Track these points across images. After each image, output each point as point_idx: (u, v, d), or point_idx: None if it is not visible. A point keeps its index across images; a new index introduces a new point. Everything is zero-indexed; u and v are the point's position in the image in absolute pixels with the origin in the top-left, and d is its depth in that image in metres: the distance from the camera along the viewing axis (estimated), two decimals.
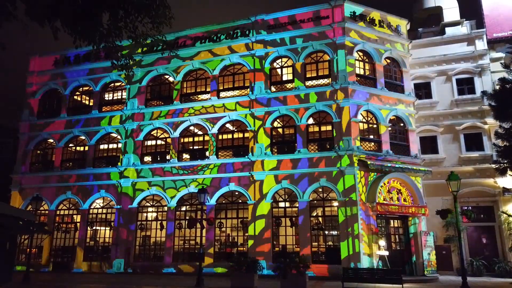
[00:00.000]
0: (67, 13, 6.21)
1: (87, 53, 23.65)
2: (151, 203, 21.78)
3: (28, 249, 19.51)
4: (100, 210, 22.58)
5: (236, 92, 21.62)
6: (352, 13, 20.44)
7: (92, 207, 22.55)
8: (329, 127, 19.65)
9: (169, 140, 22.06)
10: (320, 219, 19.36)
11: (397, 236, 19.32)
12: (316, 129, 19.99)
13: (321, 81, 20.32)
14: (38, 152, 24.92)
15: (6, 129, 28.97)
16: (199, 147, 21.73)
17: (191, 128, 22.04)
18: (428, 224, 19.34)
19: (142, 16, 6.94)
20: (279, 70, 21.56)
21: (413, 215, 18.65)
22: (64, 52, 24.94)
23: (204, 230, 17.66)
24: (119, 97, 24.00)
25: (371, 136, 19.86)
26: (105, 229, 22.39)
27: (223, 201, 20.44)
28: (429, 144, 21.36)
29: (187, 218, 20.41)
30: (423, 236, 18.28)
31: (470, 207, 19.75)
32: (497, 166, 17.85)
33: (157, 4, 6.82)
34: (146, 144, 22.70)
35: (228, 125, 21.48)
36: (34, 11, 6.21)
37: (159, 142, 22.55)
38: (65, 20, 6.42)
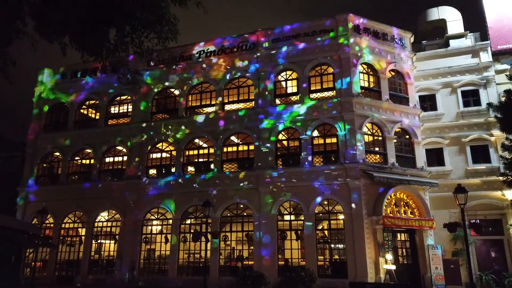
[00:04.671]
0: (75, 29, 6.33)
1: (94, 67, 23.90)
2: (156, 216, 21.75)
3: (33, 263, 19.50)
4: (105, 223, 22.57)
5: (241, 105, 21.71)
6: (356, 26, 20.59)
7: (97, 220, 22.54)
8: (334, 140, 19.62)
9: (174, 153, 22.12)
10: (326, 232, 19.20)
11: (404, 249, 19.09)
12: (321, 141, 19.97)
13: (325, 94, 20.38)
14: (45, 165, 25.06)
15: (14, 143, 29.21)
16: (204, 159, 21.75)
17: (196, 140, 22.11)
18: (436, 237, 19.10)
19: (148, 31, 7.05)
20: (283, 83, 21.68)
21: (420, 228, 18.44)
22: (71, 66, 25.23)
23: (209, 244, 17.60)
24: (125, 110, 24.19)
25: (377, 149, 19.79)
26: (109, 242, 22.33)
27: (228, 214, 20.35)
28: (435, 157, 21.18)
29: (192, 231, 20.31)
30: (430, 250, 18.03)
31: (478, 220, 19.49)
32: (504, 179, 17.67)
33: (165, 20, 6.93)
34: (151, 157, 22.77)
35: (233, 138, 21.53)
36: (43, 27, 6.33)
37: (164, 155, 22.61)
38: (73, 36, 6.54)
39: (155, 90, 23.52)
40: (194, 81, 22.79)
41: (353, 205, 17.97)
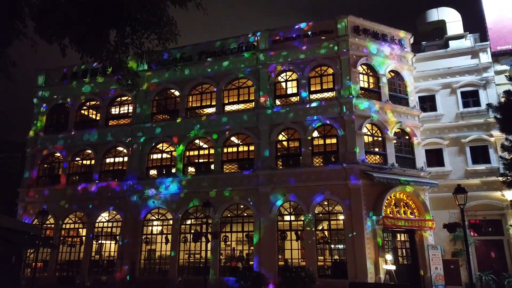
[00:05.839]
0: (76, 30, 6.37)
1: (95, 68, 23.94)
2: (157, 217, 21.79)
3: (33, 263, 19.55)
4: (105, 224, 22.61)
5: (241, 106, 21.76)
6: (355, 27, 20.63)
7: (97, 220, 22.58)
8: (334, 140, 19.66)
9: (174, 153, 22.17)
10: (326, 232, 19.23)
11: (404, 250, 19.12)
12: (321, 142, 20.01)
13: (325, 95, 20.42)
14: (45, 166, 25.11)
15: (14, 144, 29.26)
16: (205, 160, 21.80)
17: (196, 141, 22.15)
18: (435, 238, 19.12)
19: (149, 32, 7.09)
20: (283, 84, 21.72)
21: (419, 228, 18.47)
22: (72, 67, 25.29)
23: (209, 244, 17.65)
24: (126, 111, 24.25)
25: (376, 149, 19.83)
26: (110, 243, 22.37)
27: (228, 215, 20.39)
28: (434, 157, 21.20)
29: (192, 231, 20.34)
30: (430, 250, 18.06)
31: (477, 221, 19.49)
32: (504, 179, 17.67)
33: (164, 21, 6.98)
34: (151, 157, 22.83)
35: (233, 138, 21.58)
36: (43, 29, 6.38)
37: (164, 155, 22.66)
38: (73, 37, 6.58)
39: (156, 91, 23.58)
40: (194, 82, 22.84)
41: (352, 206, 17.98)
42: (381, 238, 17.94)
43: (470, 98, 21.50)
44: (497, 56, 21.75)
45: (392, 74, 21.19)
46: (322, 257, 18.64)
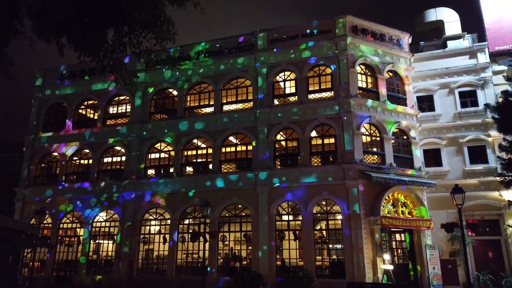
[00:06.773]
0: (73, 30, 6.35)
1: (93, 67, 23.83)
2: (154, 216, 21.76)
3: (31, 263, 19.50)
4: (103, 224, 22.56)
5: (239, 106, 21.74)
6: (354, 27, 20.64)
7: (95, 220, 22.53)
8: (332, 140, 19.66)
9: (172, 153, 22.13)
10: (324, 232, 19.23)
11: (401, 250, 19.14)
12: (319, 142, 20.01)
13: (323, 94, 20.43)
14: (43, 165, 25.05)
15: (12, 143, 29.19)
16: (203, 160, 21.78)
17: (195, 141, 22.13)
18: (433, 237, 19.16)
19: (146, 32, 7.07)
20: (282, 84, 21.72)
21: (417, 228, 18.50)
22: (70, 66, 25.21)
23: (207, 244, 17.63)
24: (123, 110, 24.19)
25: (374, 149, 19.84)
26: (108, 243, 22.33)
27: (226, 214, 20.38)
28: (432, 157, 21.23)
29: (190, 231, 20.32)
30: (428, 249, 18.08)
31: (475, 221, 19.51)
32: (501, 179, 17.71)
33: (162, 21, 6.96)
34: (149, 157, 22.78)
35: (231, 138, 21.56)
36: (41, 28, 6.35)
37: (162, 155, 22.62)
38: (71, 36, 6.56)
39: (154, 90, 23.53)
40: (192, 81, 22.81)
41: (350, 205, 17.99)
42: (379, 237, 17.95)
43: (468, 98, 21.53)
44: (495, 57, 21.79)
45: (390, 74, 21.21)
46: (320, 257, 18.65)
